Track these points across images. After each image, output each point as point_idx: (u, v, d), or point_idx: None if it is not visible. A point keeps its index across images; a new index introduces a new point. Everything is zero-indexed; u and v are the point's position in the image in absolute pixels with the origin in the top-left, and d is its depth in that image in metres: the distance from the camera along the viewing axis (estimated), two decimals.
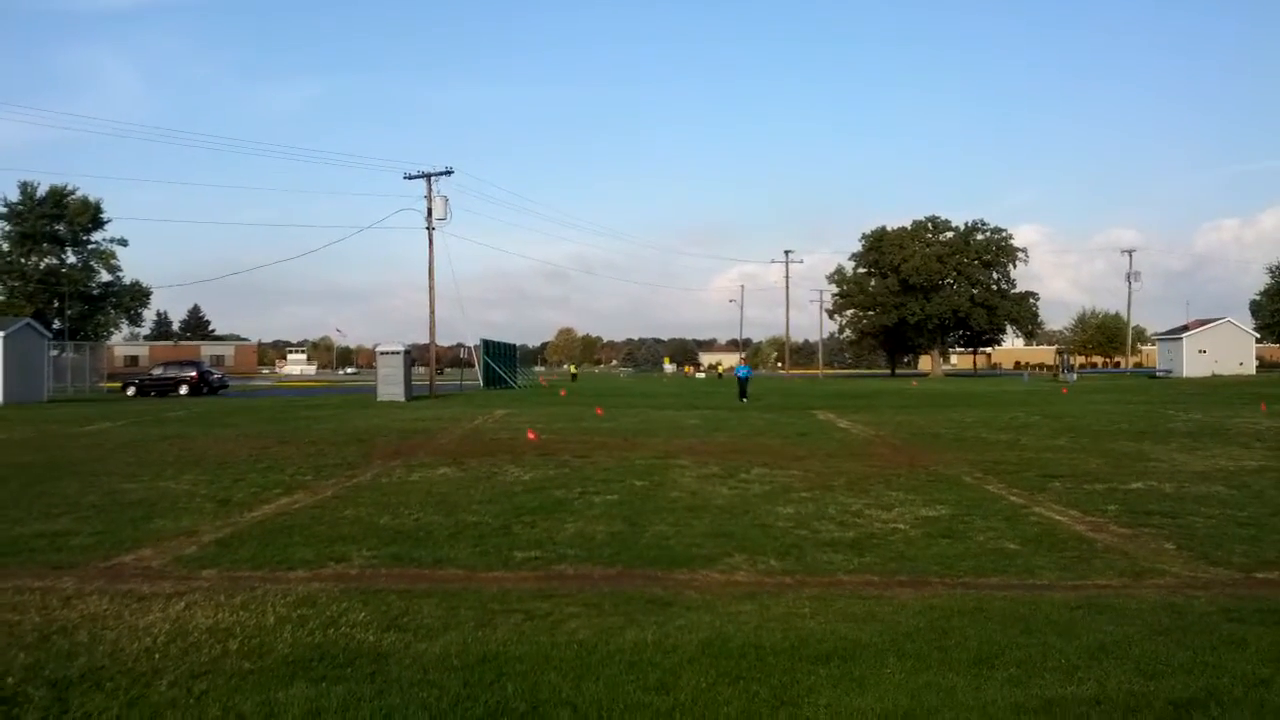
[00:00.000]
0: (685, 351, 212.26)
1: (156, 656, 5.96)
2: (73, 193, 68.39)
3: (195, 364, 59.44)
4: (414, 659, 5.88)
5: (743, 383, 42.06)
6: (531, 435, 21.82)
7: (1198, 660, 5.77)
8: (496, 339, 66.91)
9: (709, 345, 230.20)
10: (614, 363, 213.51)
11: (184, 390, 51.24)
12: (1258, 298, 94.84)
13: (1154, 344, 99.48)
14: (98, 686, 5.45)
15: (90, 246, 70.54)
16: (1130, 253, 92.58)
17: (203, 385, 52.36)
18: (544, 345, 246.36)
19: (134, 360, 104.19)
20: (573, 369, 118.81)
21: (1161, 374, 78.87)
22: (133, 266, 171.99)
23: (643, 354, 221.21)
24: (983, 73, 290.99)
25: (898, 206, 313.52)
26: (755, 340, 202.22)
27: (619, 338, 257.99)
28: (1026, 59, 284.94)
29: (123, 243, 71.57)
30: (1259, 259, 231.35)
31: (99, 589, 7.76)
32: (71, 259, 70.33)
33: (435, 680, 5.49)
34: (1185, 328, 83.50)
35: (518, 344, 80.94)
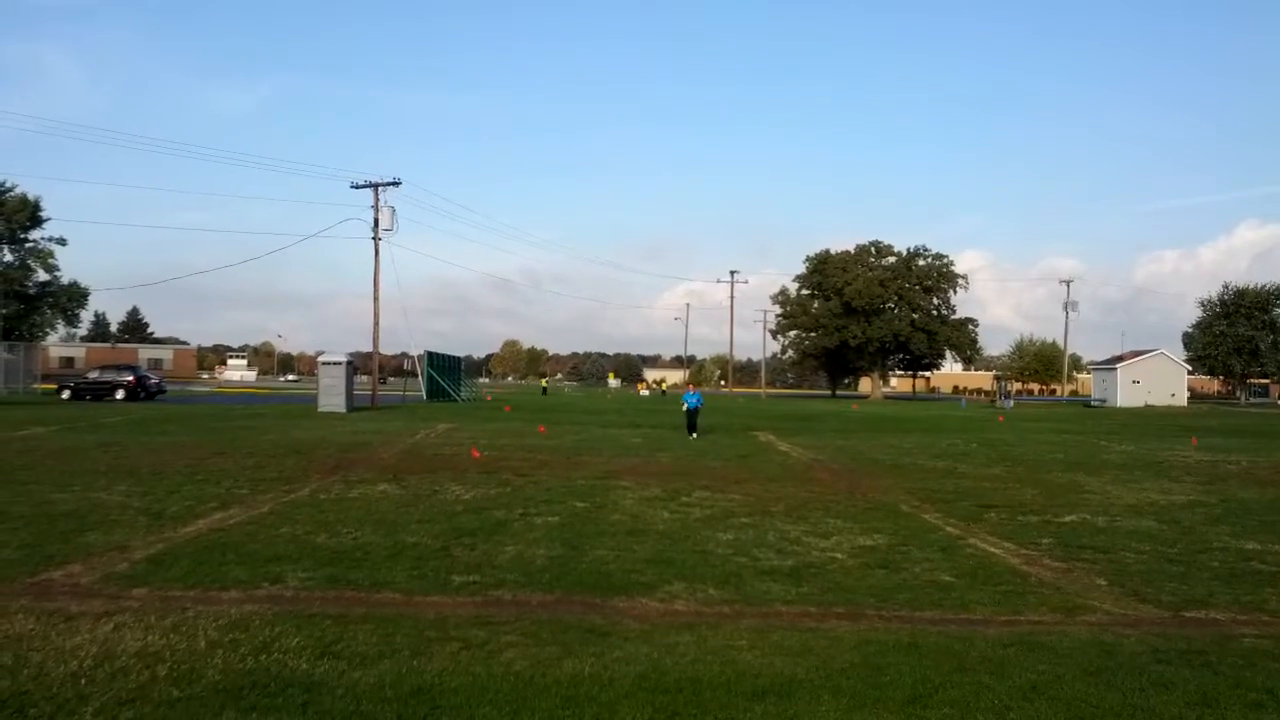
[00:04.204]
0: (630, 367, 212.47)
1: (83, 682, 5.84)
2: (11, 189, 67.06)
3: (132, 368, 58.50)
4: (347, 689, 5.81)
5: (692, 414, 31.57)
6: (476, 453, 21.70)
7: (1127, 703, 5.86)
8: (441, 349, 66.66)
9: (654, 361, 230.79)
10: (559, 376, 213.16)
11: (120, 395, 50.40)
12: (1190, 330, 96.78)
13: (1089, 373, 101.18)
14: (20, 713, 5.34)
15: (28, 245, 69.17)
16: (1068, 282, 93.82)
17: (140, 390, 51.53)
18: (489, 357, 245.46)
19: (70, 362, 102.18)
20: (544, 383, 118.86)
21: (1096, 403, 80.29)
22: (71, 266, 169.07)
23: (588, 368, 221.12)
24: (931, 99, 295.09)
25: (843, 229, 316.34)
26: (700, 358, 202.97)
27: (565, 351, 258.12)
28: (974, 88, 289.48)
29: (61, 242, 70.24)
30: (1195, 291, 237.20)
31: (25, 607, 7.59)
32: (8, 257, 68.91)
33: (368, 712, 5.43)
34: (1120, 358, 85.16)
35: (463, 355, 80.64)
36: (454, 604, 8.11)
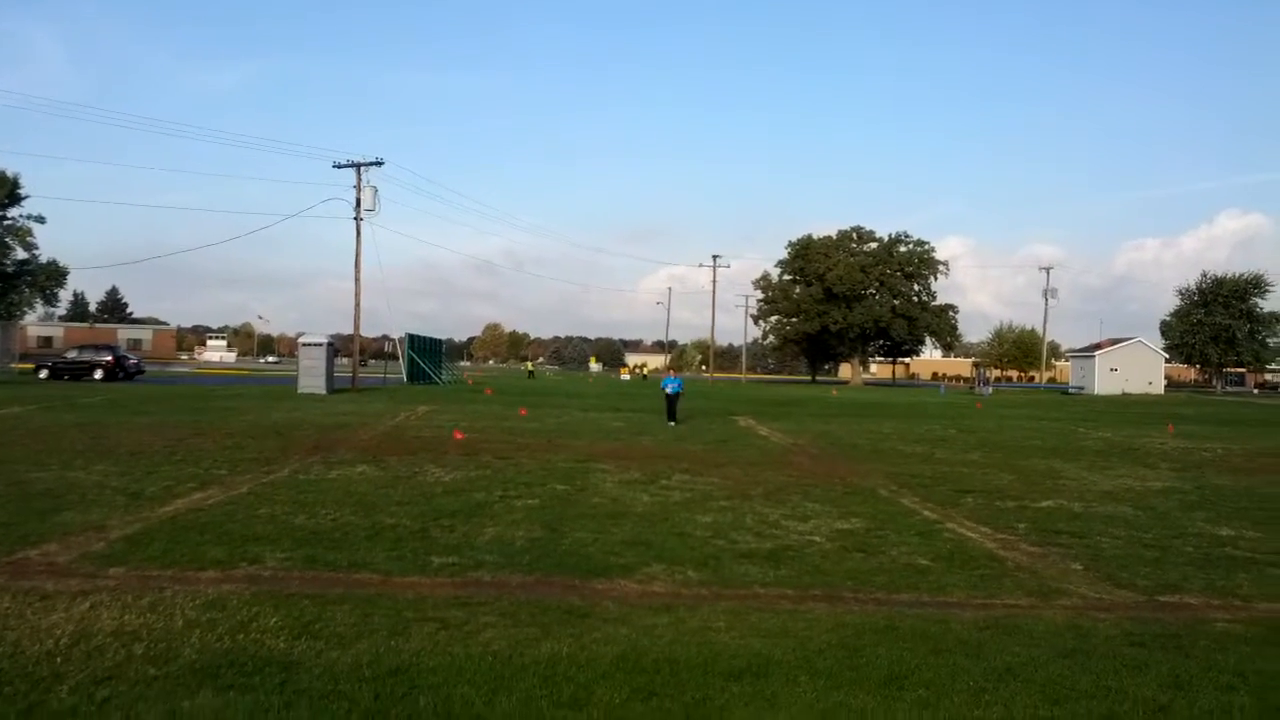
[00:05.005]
0: (612, 351, 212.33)
1: (58, 660, 5.82)
2: None
3: (111, 348, 58.11)
4: (325, 668, 5.81)
5: (671, 399, 29.32)
6: (458, 435, 21.68)
7: (1101, 685, 5.92)
8: (423, 332, 66.44)
9: (635, 346, 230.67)
10: (540, 360, 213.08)
11: (99, 375, 50.13)
12: (1168, 318, 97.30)
13: (1068, 360, 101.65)
14: None
15: (6, 222, 68.56)
16: (1048, 270, 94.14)
17: (118, 370, 51.26)
18: (471, 340, 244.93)
19: (48, 342, 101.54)
20: (529, 367, 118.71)
21: (1074, 390, 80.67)
22: (50, 245, 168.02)
23: (569, 352, 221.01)
24: (917, 87, 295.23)
25: (826, 213, 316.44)
26: (681, 342, 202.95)
27: (546, 335, 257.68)
28: (961, 75, 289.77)
29: (40, 220, 69.60)
30: (1175, 280, 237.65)
31: (0, 586, 7.56)
32: None
33: (346, 692, 5.43)
34: (1098, 346, 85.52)
35: (444, 338, 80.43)
36: (432, 585, 8.11)
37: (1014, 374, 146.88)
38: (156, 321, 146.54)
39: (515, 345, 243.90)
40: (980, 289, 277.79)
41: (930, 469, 17.99)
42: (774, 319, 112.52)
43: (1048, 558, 10.08)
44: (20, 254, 69.77)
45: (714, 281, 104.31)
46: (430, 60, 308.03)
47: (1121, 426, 33.43)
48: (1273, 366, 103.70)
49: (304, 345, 45.32)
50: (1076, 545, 10.75)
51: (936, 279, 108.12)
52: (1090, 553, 10.34)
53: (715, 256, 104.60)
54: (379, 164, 49.15)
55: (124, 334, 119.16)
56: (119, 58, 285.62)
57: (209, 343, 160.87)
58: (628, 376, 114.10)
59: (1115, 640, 6.96)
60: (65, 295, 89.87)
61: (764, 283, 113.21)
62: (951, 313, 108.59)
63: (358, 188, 48.80)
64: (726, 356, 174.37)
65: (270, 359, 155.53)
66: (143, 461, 15.68)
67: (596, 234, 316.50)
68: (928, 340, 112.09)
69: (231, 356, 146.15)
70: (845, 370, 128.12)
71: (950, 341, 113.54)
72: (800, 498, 13.82)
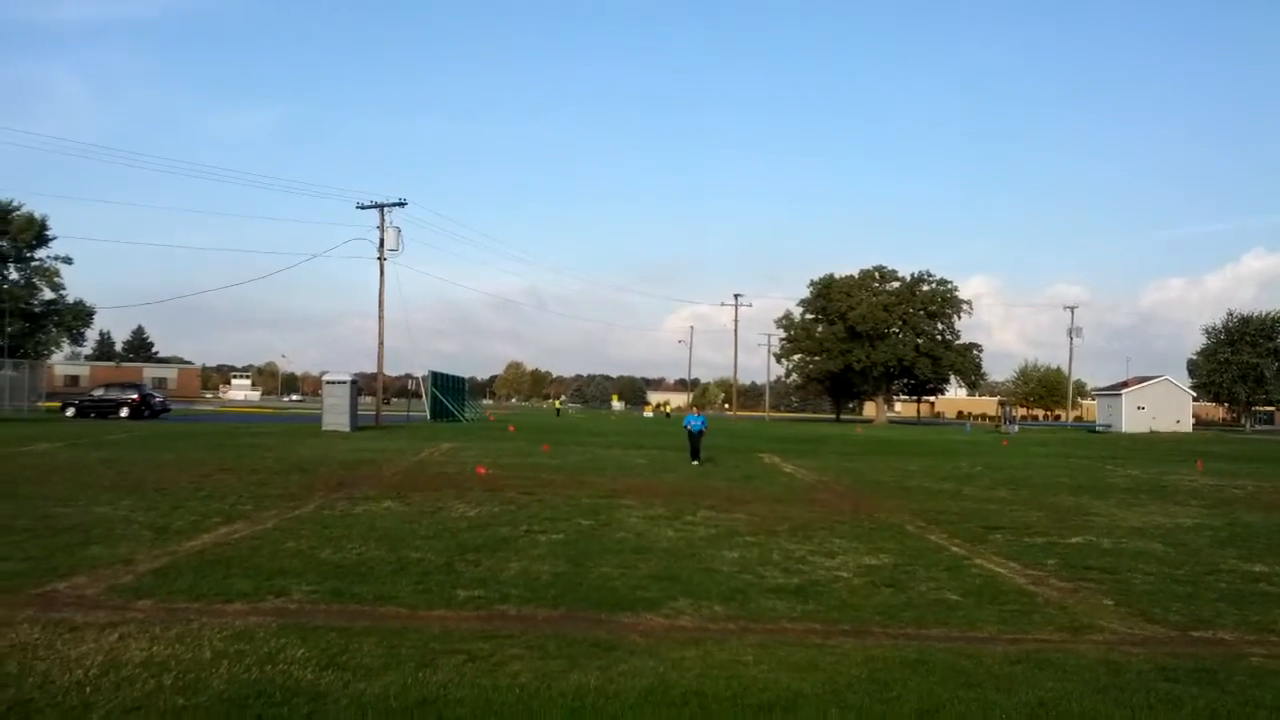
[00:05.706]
0: (634, 389, 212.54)
1: (88, 690, 5.82)
2: (18, 208, 67.34)
3: (137, 386, 58.58)
4: (352, 700, 5.79)
5: (695, 437, 28.24)
6: (481, 470, 21.70)
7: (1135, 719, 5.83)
8: (446, 370, 66.69)
9: (658, 384, 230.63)
10: (563, 398, 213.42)
11: (125, 413, 50.42)
12: (1195, 357, 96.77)
13: (1094, 399, 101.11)
14: None
15: (34, 263, 69.40)
16: (1072, 309, 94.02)
17: (144, 408, 51.57)
18: (493, 378, 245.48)
19: (75, 380, 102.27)
20: (557, 405, 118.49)
21: (1101, 429, 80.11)
22: (76, 285, 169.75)
23: (592, 390, 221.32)
24: (939, 125, 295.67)
25: (848, 253, 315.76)
26: (704, 381, 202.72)
27: (569, 373, 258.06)
28: (983, 113, 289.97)
29: (67, 261, 70.47)
30: (1201, 318, 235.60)
31: (30, 617, 7.58)
32: (14, 275, 69.15)
33: None
34: (1125, 384, 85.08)
35: (467, 376, 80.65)
36: (458, 618, 8.08)
37: (1039, 413, 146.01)
38: (182, 361, 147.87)
39: (538, 383, 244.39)
40: (1005, 328, 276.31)
41: (958, 505, 17.87)
42: (797, 357, 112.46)
43: (1078, 593, 9.97)
44: (48, 294, 70.60)
45: (736, 320, 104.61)
46: (453, 100, 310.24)
47: (1150, 464, 33.15)
48: None
49: (328, 383, 45.59)
50: (1107, 581, 10.63)
51: (960, 318, 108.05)
52: (1121, 588, 10.22)
53: (737, 295, 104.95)
54: (402, 204, 49.61)
55: (150, 373, 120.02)
56: (144, 100, 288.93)
57: (233, 381, 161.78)
58: (650, 414, 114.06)
59: (1149, 675, 6.86)
60: (92, 335, 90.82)
61: (786, 321, 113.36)
62: (976, 351, 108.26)
63: (381, 228, 49.19)
64: (750, 395, 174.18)
65: (294, 397, 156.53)
66: (169, 497, 15.74)
67: (619, 273, 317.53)
68: (952, 379, 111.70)
69: (256, 395, 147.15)
70: (870, 408, 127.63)
71: (975, 380, 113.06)
72: (827, 534, 13.74)
